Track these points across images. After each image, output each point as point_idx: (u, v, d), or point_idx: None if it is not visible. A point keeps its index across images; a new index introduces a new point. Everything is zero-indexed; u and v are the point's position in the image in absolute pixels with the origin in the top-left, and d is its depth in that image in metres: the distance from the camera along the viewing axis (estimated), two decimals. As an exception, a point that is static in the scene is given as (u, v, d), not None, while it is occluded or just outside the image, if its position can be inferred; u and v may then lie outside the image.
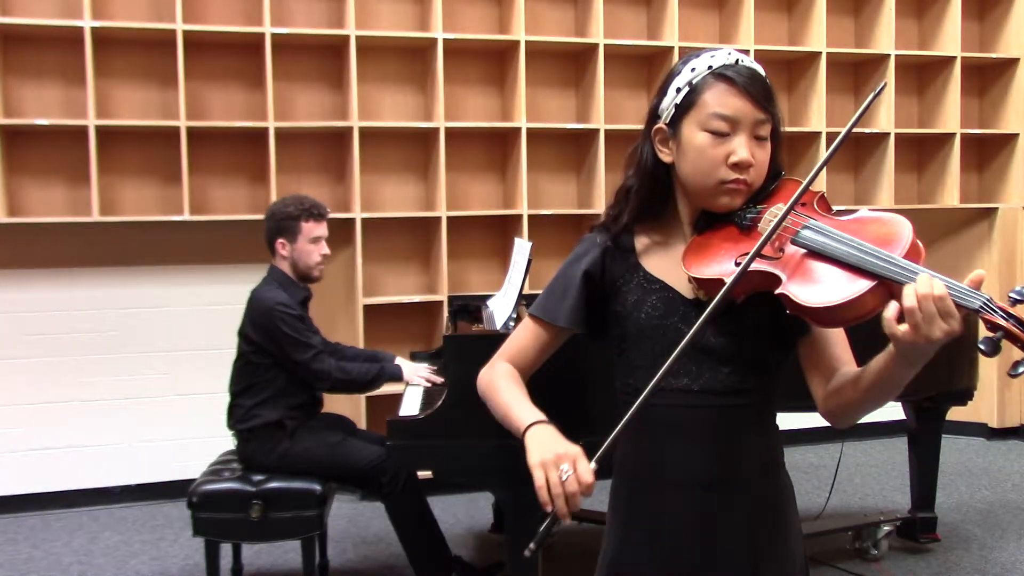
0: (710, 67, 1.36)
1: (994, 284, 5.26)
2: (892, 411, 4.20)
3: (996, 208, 5.36)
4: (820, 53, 5.00)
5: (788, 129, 5.11)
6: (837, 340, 1.40)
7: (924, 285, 1.13)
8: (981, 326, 1.15)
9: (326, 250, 3.31)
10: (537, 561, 2.58)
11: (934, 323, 1.12)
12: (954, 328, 1.12)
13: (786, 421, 1.41)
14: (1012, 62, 5.34)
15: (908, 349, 1.17)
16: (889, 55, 5.11)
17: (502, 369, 1.49)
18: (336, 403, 3.67)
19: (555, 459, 1.23)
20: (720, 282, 1.31)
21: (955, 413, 3.82)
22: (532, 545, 1.23)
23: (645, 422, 1.36)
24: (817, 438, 5.05)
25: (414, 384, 3.23)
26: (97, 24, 4.03)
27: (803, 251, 1.30)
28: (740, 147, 1.34)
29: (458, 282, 4.72)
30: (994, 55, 5.37)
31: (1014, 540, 3.80)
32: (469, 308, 3.81)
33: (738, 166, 1.35)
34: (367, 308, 4.46)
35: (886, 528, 3.64)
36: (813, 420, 5.61)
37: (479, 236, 4.80)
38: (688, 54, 1.43)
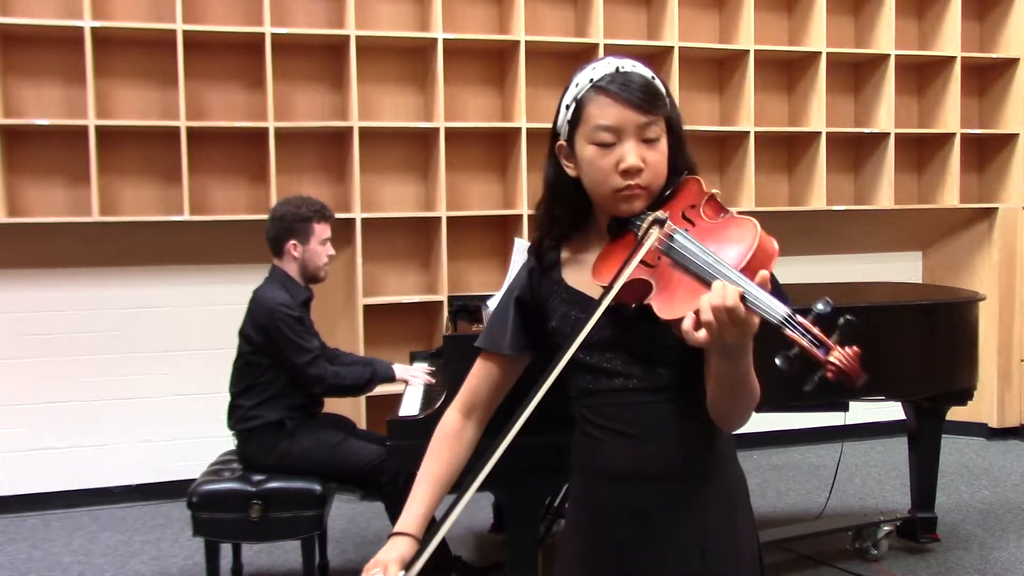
0: (591, 80, 1.38)
1: (994, 284, 5.26)
2: (892, 411, 4.20)
3: (996, 208, 5.36)
4: (820, 53, 5.00)
5: (788, 129, 5.11)
6: None
7: (716, 295, 1.16)
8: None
9: (332, 251, 3.33)
10: (537, 561, 2.59)
11: (724, 329, 1.16)
12: (745, 333, 1.18)
13: (786, 421, 1.41)
14: (1012, 62, 5.34)
15: (716, 348, 1.22)
16: (889, 55, 5.11)
17: (442, 432, 1.53)
18: (336, 403, 3.66)
19: (373, 563, 1.35)
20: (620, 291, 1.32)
21: (955, 413, 3.82)
22: None
23: (591, 419, 1.44)
24: (817, 438, 5.04)
25: (409, 381, 3.24)
26: (97, 24, 4.03)
27: (669, 260, 1.31)
28: (628, 153, 1.36)
29: (458, 282, 4.72)
30: (994, 55, 5.37)
31: (1014, 540, 3.80)
32: (469, 308, 3.80)
33: (628, 172, 1.36)
34: (367, 308, 4.46)
35: (886, 528, 3.63)
36: (813, 420, 5.57)
37: (479, 236, 4.80)
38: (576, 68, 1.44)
